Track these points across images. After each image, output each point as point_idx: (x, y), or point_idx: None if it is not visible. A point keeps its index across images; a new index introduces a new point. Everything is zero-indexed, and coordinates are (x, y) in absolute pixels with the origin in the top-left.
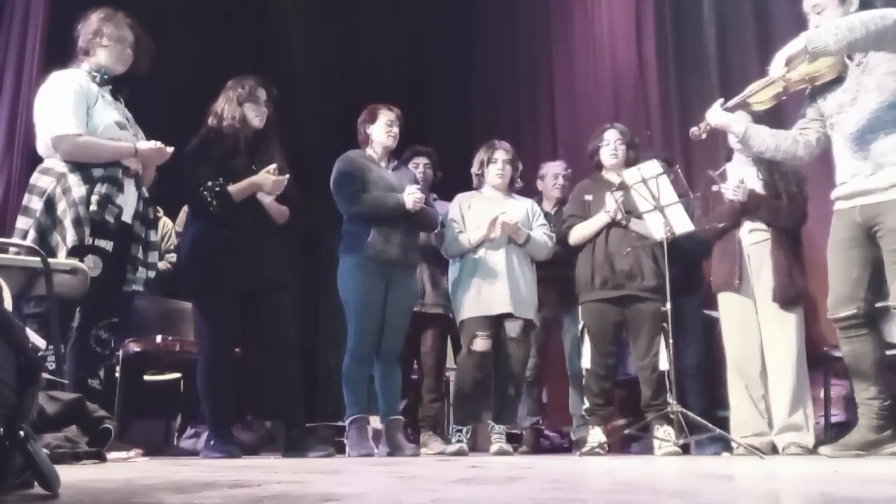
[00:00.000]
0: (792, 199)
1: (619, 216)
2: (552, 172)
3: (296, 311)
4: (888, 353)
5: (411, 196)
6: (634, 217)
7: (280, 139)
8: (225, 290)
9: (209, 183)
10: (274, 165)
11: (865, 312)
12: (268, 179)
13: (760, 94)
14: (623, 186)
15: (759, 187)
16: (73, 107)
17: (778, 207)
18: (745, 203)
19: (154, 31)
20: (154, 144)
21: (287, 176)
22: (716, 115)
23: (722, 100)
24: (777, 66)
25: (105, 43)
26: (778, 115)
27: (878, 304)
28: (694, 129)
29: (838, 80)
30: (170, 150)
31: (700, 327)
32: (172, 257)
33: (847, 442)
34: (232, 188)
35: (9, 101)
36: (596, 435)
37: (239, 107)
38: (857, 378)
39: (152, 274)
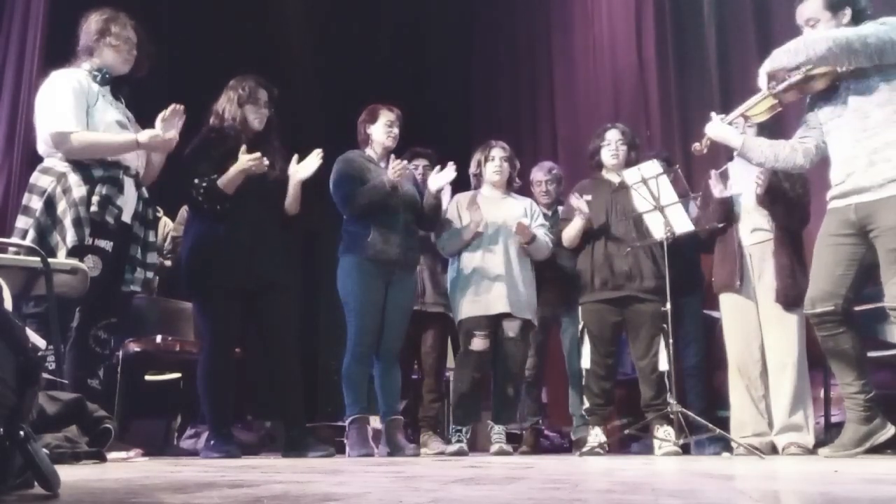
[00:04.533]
0: (794, 200)
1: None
2: (536, 180)
3: (296, 311)
4: (888, 353)
5: (392, 169)
6: (628, 217)
7: (280, 139)
8: (225, 290)
9: (195, 181)
10: (243, 147)
11: (843, 310)
12: (243, 159)
13: (757, 107)
14: (622, 187)
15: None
16: (73, 105)
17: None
18: (761, 196)
19: (154, 30)
20: (154, 132)
21: (258, 154)
22: (714, 129)
23: (718, 114)
24: (761, 80)
25: (114, 43)
26: (779, 125)
27: (873, 305)
28: (696, 145)
29: (833, 87)
30: (170, 136)
31: (700, 327)
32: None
33: (842, 442)
34: (221, 181)
35: (9, 101)
36: (596, 435)
37: (239, 108)
38: (840, 374)
39: (150, 274)
